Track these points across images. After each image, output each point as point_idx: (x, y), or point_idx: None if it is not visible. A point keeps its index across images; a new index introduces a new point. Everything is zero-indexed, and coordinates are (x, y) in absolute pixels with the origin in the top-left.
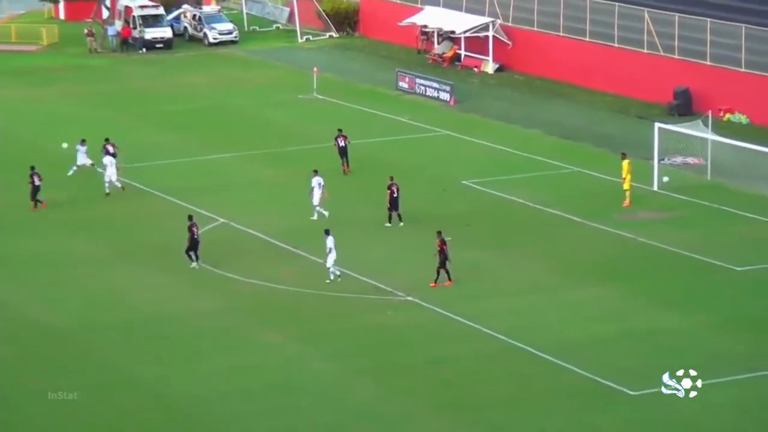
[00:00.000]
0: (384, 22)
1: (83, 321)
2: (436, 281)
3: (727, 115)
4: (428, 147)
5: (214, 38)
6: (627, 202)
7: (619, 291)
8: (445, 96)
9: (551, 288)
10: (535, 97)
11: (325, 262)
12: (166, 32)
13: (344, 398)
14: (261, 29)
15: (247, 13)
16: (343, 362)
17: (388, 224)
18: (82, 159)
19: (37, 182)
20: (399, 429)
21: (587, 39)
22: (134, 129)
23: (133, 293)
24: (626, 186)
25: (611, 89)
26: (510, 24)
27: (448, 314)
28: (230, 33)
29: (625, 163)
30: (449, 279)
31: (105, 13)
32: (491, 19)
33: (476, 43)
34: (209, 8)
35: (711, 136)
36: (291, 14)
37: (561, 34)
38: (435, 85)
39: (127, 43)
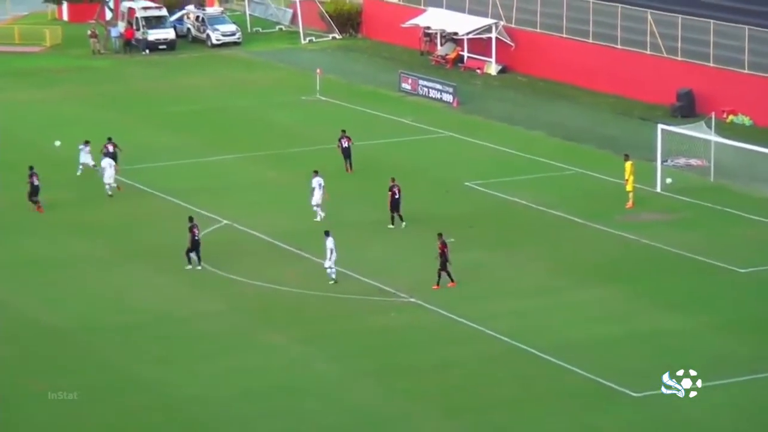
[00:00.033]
0: (387, 23)
1: (83, 321)
2: (438, 284)
3: (731, 117)
4: (431, 148)
5: (217, 39)
6: (630, 203)
7: (622, 292)
8: (448, 97)
9: (554, 289)
10: (538, 99)
11: (324, 263)
12: (169, 34)
13: (347, 400)
14: (264, 31)
15: (250, 15)
16: (346, 364)
17: (391, 226)
18: (85, 158)
19: (36, 182)
20: (402, 431)
21: (590, 40)
22: (137, 130)
23: (134, 294)
24: (629, 187)
25: (614, 91)
26: (513, 25)
27: (451, 316)
28: (233, 34)
29: (628, 164)
30: (452, 280)
31: (108, 15)
32: (494, 21)
33: (479, 45)
34: (212, 10)
35: (714, 138)
36: (294, 16)
37: (564, 35)
38: (438, 86)
39: (130, 44)
